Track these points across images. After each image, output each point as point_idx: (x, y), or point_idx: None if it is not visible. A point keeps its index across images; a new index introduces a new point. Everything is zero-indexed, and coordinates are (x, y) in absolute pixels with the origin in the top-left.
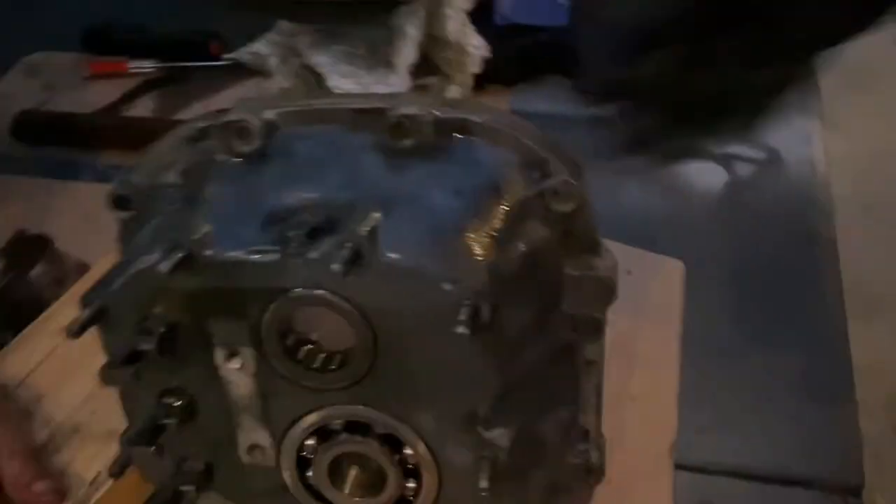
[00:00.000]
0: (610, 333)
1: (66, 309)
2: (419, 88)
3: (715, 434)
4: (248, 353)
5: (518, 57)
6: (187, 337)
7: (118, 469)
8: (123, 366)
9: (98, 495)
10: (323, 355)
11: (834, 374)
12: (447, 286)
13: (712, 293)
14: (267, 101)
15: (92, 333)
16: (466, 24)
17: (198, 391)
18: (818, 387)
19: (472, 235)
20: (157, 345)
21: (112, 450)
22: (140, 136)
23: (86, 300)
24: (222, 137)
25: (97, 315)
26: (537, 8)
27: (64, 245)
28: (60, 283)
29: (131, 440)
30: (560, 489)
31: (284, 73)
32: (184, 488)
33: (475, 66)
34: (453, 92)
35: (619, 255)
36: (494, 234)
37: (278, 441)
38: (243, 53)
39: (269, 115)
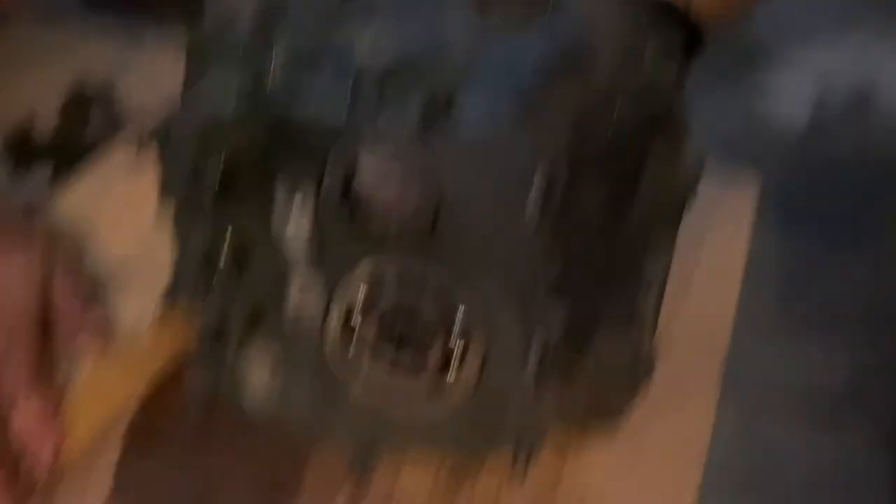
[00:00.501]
0: None
1: (121, 152)
2: None
3: (771, 360)
4: (308, 197)
5: None
6: (248, 174)
7: (166, 303)
8: (183, 191)
9: (136, 340)
10: (384, 214)
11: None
12: (522, 159)
13: (783, 222)
14: None
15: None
16: None
17: (253, 232)
18: (878, 328)
19: (558, 107)
20: (215, 184)
21: (157, 293)
22: None
23: (149, 135)
24: None
25: (160, 148)
26: None
27: (122, 94)
28: (117, 129)
29: (184, 273)
30: (608, 384)
31: None
32: (229, 329)
33: None
34: None
35: None
36: (582, 107)
37: (329, 291)
38: None
39: None
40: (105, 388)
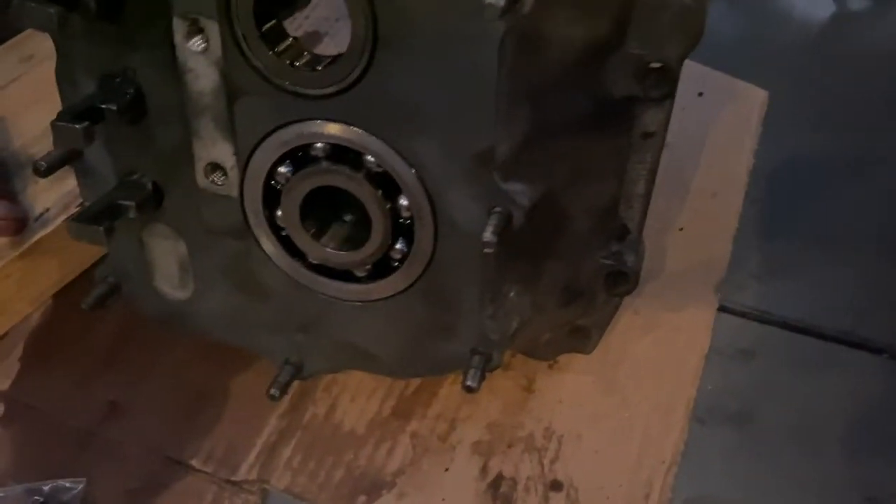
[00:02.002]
0: (667, 158)
1: (36, 36)
2: None
3: (771, 281)
4: (214, 30)
5: None
6: (140, 2)
7: (47, 165)
8: (62, 14)
9: (44, 232)
10: (308, 55)
11: None
12: None
13: (794, 130)
14: None
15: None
16: None
17: (149, 78)
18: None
19: None
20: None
21: (64, 186)
22: None
23: None
24: None
25: None
26: None
27: None
28: None
29: (65, 121)
30: (579, 295)
31: None
32: (123, 202)
33: None
34: None
35: (691, 74)
36: None
37: (243, 162)
38: None
39: None
40: (7, 287)
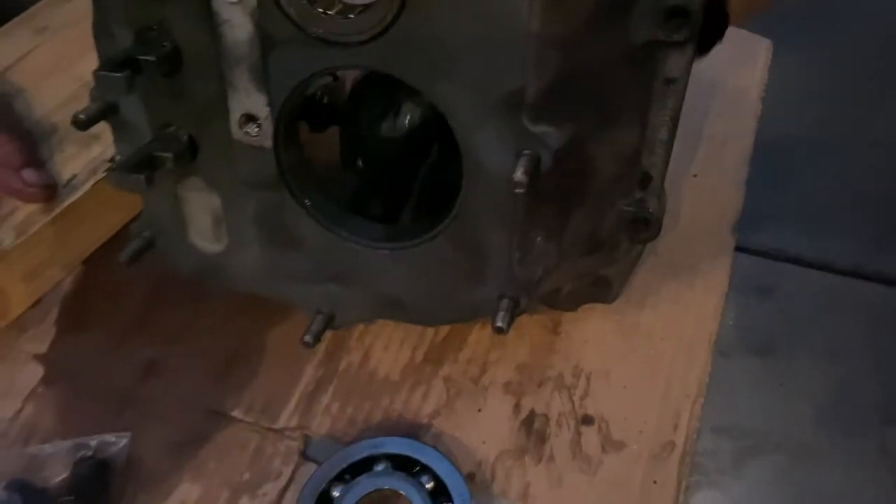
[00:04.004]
0: None
1: (52, 8)
2: None
3: (784, 221)
4: None
5: None
6: None
7: (86, 118)
8: None
9: (74, 198)
10: (340, 3)
11: None
12: None
13: (803, 78)
14: None
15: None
16: None
17: (184, 30)
18: None
19: None
20: None
21: (92, 153)
22: None
23: None
24: None
25: None
26: None
27: None
28: None
29: (103, 73)
30: (604, 242)
31: None
32: (160, 154)
33: None
34: None
35: None
36: None
37: (277, 112)
38: None
39: None
40: (41, 252)
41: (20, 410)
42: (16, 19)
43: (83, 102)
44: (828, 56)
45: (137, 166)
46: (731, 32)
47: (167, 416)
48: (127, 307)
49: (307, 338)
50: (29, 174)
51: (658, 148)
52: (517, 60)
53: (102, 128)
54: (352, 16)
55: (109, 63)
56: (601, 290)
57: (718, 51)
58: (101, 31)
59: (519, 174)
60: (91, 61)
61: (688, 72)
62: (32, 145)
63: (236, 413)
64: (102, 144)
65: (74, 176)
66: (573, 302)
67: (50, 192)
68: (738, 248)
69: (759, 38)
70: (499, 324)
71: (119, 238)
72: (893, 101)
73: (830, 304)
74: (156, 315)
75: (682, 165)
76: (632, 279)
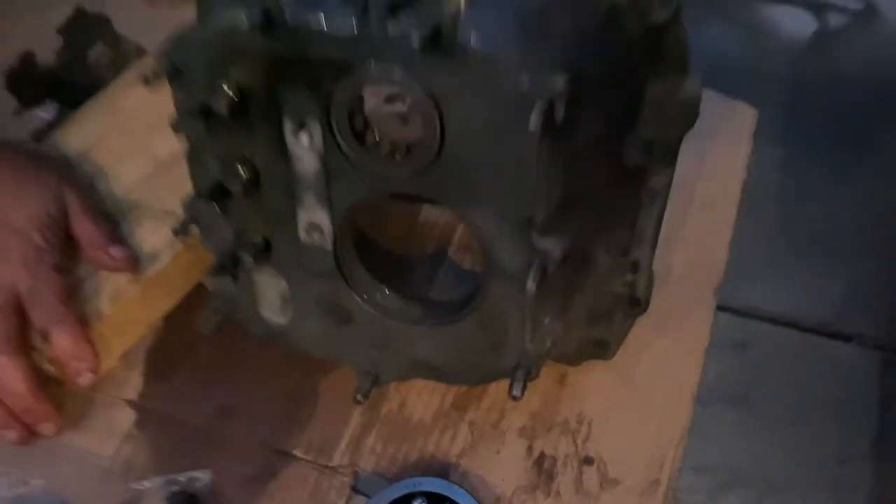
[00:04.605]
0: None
1: (126, 88)
2: None
3: (762, 280)
4: (316, 128)
5: None
6: (258, 104)
7: (182, 228)
8: (195, 118)
9: (156, 268)
10: (389, 143)
11: (890, 232)
12: (524, 78)
13: (783, 145)
14: None
15: (155, 108)
16: None
17: (264, 162)
18: (873, 245)
19: (560, 31)
20: (227, 105)
21: (165, 230)
22: None
23: (162, 50)
24: None
25: (172, 69)
26: None
27: (121, 27)
28: (118, 66)
29: (197, 198)
30: (602, 315)
31: None
32: (241, 255)
33: None
34: None
35: None
36: (583, 33)
37: (336, 223)
38: None
39: None
40: (130, 314)
41: (119, 449)
42: (93, 101)
43: (158, 180)
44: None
45: (225, 268)
46: (722, 102)
47: (240, 452)
48: (203, 357)
49: (359, 396)
50: (115, 251)
51: (645, 242)
52: (528, 196)
53: (177, 205)
54: (397, 158)
55: (200, 190)
56: (601, 350)
57: (709, 120)
58: (194, 161)
59: (529, 283)
60: (163, 141)
61: (669, 186)
62: (114, 223)
63: (297, 452)
64: (177, 220)
65: (155, 249)
66: (577, 359)
67: (133, 263)
68: (719, 307)
69: (746, 107)
70: (514, 393)
71: (191, 296)
72: (860, 168)
73: (797, 358)
74: (228, 363)
75: (674, 230)
76: (628, 336)
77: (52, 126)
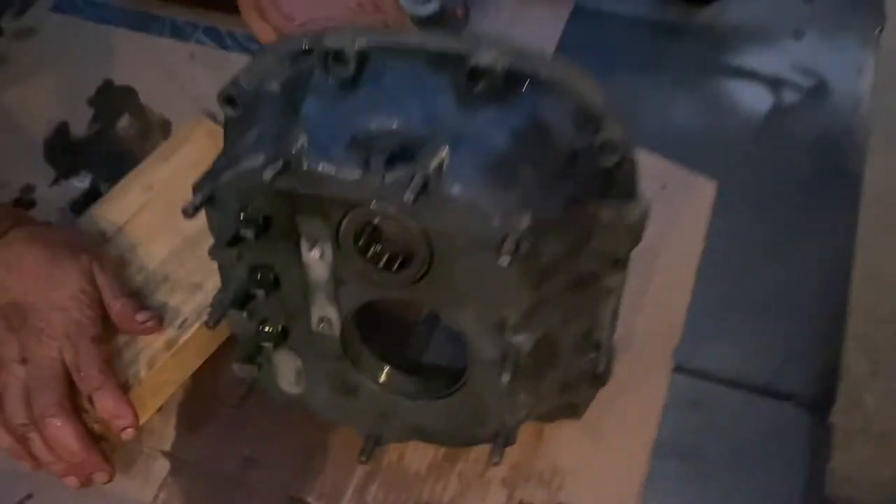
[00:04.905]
0: (639, 246)
1: (156, 166)
2: None
3: (715, 344)
4: (327, 246)
5: None
6: (279, 226)
7: (213, 322)
8: (228, 247)
9: (186, 336)
10: (388, 256)
11: (830, 299)
12: (496, 222)
13: (739, 214)
14: (362, 31)
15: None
16: None
17: (283, 270)
18: (814, 309)
19: (525, 177)
20: (255, 232)
21: (197, 299)
22: None
23: (197, 187)
24: (321, 59)
25: (207, 200)
26: None
27: (146, 99)
28: (145, 136)
29: (226, 303)
30: (570, 386)
31: None
32: (263, 344)
33: None
34: None
35: (658, 168)
36: (545, 176)
37: (344, 317)
38: None
39: (363, 44)
40: (164, 376)
41: (156, 496)
42: (128, 177)
43: (187, 255)
44: (757, 195)
45: (250, 357)
46: (684, 176)
47: (262, 499)
48: (228, 411)
49: (362, 457)
50: (140, 317)
51: (605, 326)
52: (502, 304)
53: (203, 278)
54: (394, 270)
55: (228, 296)
56: (571, 411)
57: (672, 192)
58: (224, 272)
59: (504, 376)
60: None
61: (622, 284)
62: (148, 293)
63: (311, 499)
64: (204, 292)
65: (185, 319)
66: (551, 418)
67: (158, 322)
68: (675, 368)
69: (707, 181)
70: (495, 459)
71: (215, 354)
72: (808, 236)
73: (742, 415)
74: (250, 417)
75: (637, 296)
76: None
77: (87, 195)
